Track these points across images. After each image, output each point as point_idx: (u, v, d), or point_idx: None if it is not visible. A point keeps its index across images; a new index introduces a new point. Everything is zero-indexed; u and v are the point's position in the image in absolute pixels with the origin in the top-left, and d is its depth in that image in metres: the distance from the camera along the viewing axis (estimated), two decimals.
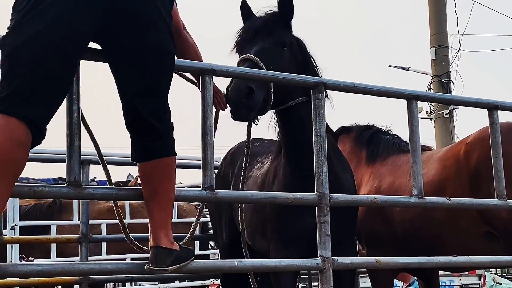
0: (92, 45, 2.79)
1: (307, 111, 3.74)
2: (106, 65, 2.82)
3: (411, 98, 3.68)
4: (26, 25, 2.49)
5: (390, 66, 18.72)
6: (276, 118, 4.19)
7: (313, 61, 4.28)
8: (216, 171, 5.48)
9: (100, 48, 2.81)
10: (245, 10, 4.22)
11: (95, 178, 13.07)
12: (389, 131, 5.47)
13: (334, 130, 5.58)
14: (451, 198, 3.71)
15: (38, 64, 2.46)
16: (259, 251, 4.75)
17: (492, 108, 3.91)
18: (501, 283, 11.53)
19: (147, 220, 2.80)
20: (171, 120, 2.85)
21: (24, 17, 2.50)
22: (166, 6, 2.79)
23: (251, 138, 4.19)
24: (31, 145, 2.50)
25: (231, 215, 5.03)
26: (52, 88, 2.52)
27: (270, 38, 3.99)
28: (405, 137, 5.16)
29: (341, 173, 4.23)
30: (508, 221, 4.16)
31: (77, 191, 2.73)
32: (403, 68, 18.15)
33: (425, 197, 3.58)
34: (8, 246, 6.23)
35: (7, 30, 2.54)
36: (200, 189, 3.07)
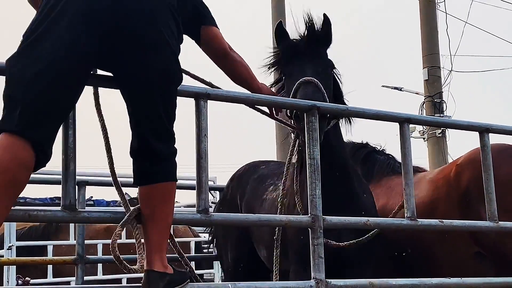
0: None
1: (336, 134, 3.94)
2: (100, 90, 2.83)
3: (403, 121, 3.68)
4: (27, 48, 2.54)
5: (383, 86, 18.81)
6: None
7: (340, 85, 4.28)
8: (216, 192, 5.44)
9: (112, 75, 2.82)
10: (280, 32, 4.14)
11: (91, 197, 12.99)
12: (384, 151, 5.45)
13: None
14: (443, 220, 3.70)
15: (39, 86, 2.47)
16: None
17: (483, 131, 3.90)
18: None
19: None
20: (175, 146, 2.84)
21: (26, 41, 2.55)
22: (171, 32, 2.79)
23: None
24: (36, 167, 2.48)
25: (238, 236, 4.98)
26: (55, 110, 2.52)
27: (319, 60, 3.97)
28: (399, 156, 5.19)
29: (362, 195, 4.21)
30: (498, 242, 4.15)
31: (72, 215, 2.71)
32: (396, 88, 18.21)
33: (418, 219, 3.57)
34: (5, 266, 6.19)
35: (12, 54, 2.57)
36: (194, 212, 3.05)
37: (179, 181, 6.11)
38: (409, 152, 3.65)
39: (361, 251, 4.00)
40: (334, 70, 4.16)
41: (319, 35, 4.05)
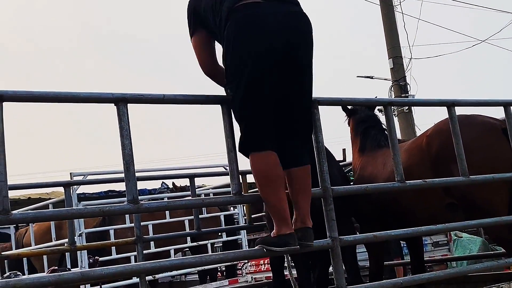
0: None
1: None
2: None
3: (387, 105, 3.67)
4: (249, 93, 2.86)
5: (358, 76, 18.69)
6: None
7: None
8: None
9: None
10: None
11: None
12: (382, 125, 5.40)
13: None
14: (426, 180, 3.69)
15: (266, 115, 2.89)
16: None
17: (450, 105, 3.87)
18: (462, 237, 11.48)
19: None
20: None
21: (245, 91, 2.87)
22: (312, 56, 3.06)
23: None
24: None
25: None
26: (273, 130, 2.94)
27: None
28: None
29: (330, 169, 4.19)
30: (466, 192, 4.14)
31: (136, 207, 2.71)
32: (368, 77, 18.08)
33: (406, 181, 3.56)
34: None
35: (232, 96, 2.95)
36: (230, 195, 3.07)
37: (210, 169, 6.08)
38: (394, 129, 3.65)
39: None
40: None
41: None
